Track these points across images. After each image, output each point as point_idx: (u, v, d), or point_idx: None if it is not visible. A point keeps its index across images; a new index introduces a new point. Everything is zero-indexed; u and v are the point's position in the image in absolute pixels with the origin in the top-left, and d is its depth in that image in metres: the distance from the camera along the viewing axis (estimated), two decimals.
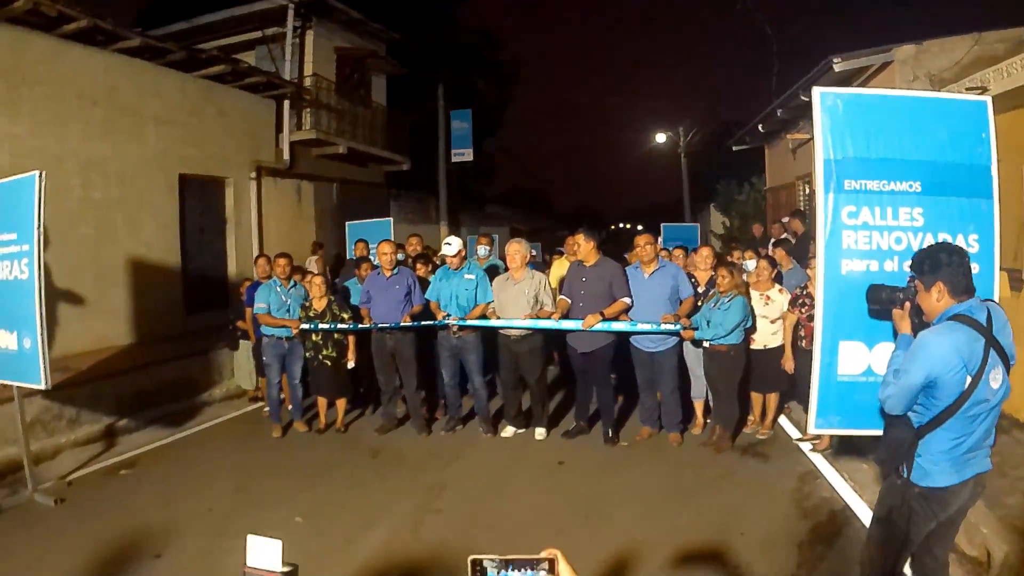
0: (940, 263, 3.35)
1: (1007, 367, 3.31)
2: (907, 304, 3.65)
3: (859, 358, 4.53)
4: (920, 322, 3.57)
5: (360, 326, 8.39)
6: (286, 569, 1.83)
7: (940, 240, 4.31)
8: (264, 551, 1.82)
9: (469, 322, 7.95)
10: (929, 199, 4.46)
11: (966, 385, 3.18)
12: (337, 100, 18.04)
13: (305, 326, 8.32)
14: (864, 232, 4.49)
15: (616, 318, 7.63)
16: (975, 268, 3.56)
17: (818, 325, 4.61)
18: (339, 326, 8.36)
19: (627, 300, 7.62)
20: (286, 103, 16.07)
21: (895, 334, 3.75)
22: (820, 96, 4.54)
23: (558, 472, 7.13)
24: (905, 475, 3.42)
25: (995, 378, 3.24)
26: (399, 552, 5.42)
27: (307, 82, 16.94)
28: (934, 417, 3.29)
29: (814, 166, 4.59)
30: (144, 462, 7.84)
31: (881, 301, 3.82)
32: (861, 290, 4.28)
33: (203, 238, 13.96)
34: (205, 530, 5.83)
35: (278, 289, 8.51)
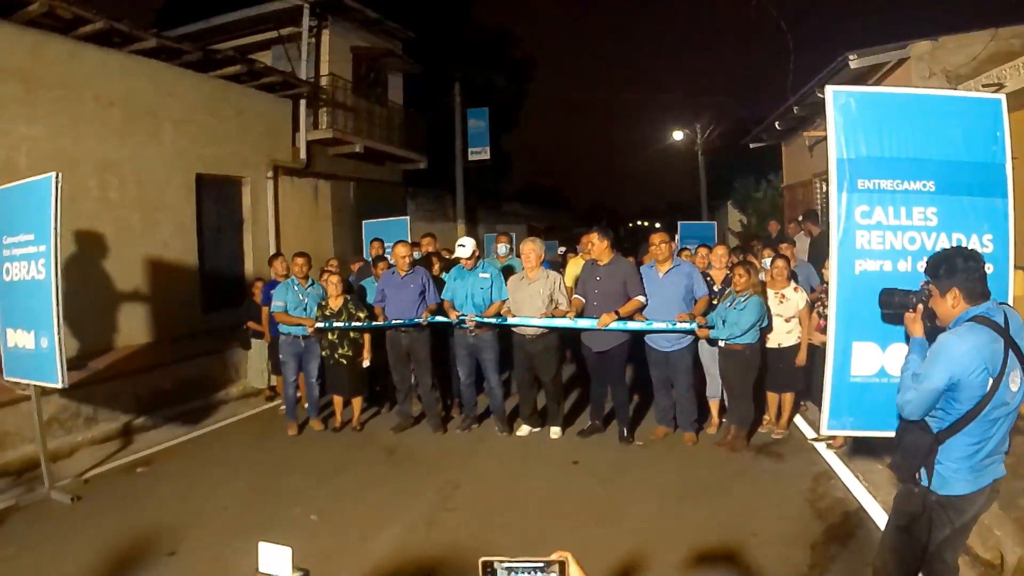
0: (956, 268, 3.32)
1: None
2: (919, 307, 3.61)
3: (872, 359, 4.51)
4: (932, 326, 3.54)
5: (375, 324, 8.41)
6: (297, 575, 1.84)
7: (954, 240, 4.31)
8: (275, 557, 1.86)
9: (486, 319, 7.95)
10: (943, 198, 4.44)
11: (988, 387, 3.15)
12: (353, 99, 18.12)
13: (320, 324, 8.35)
14: (878, 232, 4.47)
15: (631, 317, 7.63)
16: (989, 268, 3.54)
17: (831, 326, 4.61)
18: (354, 324, 8.39)
19: (641, 299, 7.61)
20: (303, 102, 16.16)
21: (908, 337, 3.72)
22: (833, 95, 4.53)
23: (573, 471, 7.12)
24: (924, 483, 3.39)
25: (1014, 380, 3.21)
26: (413, 551, 5.42)
27: (323, 81, 17.03)
28: (955, 421, 3.26)
29: (828, 166, 4.56)
30: (160, 460, 7.89)
31: (893, 305, 3.77)
32: (875, 291, 4.26)
33: (220, 237, 14.07)
34: (220, 528, 5.86)
35: (296, 288, 8.55)
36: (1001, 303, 3.39)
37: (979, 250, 3.70)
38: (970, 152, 4.45)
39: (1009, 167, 4.46)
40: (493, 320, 7.94)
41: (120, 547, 5.47)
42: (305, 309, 8.50)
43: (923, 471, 3.39)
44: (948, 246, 4.23)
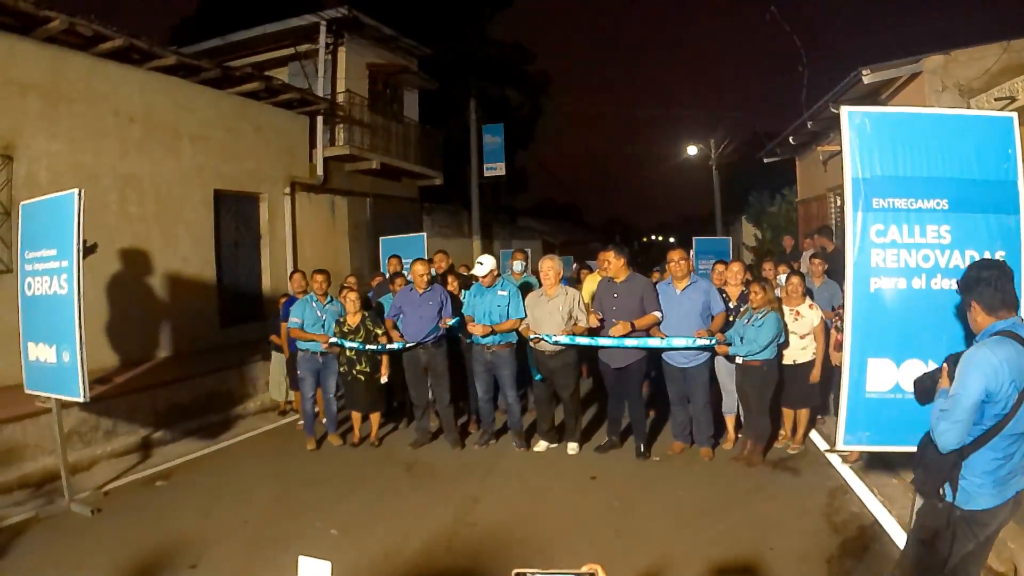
0: (972, 280, 3.39)
1: None
2: (943, 369, 3.56)
3: (887, 375, 4.52)
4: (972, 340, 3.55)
5: (388, 347, 8.47)
6: None
7: (967, 257, 4.33)
8: (314, 571, 1.90)
9: (563, 341, 7.89)
10: (956, 216, 4.46)
11: (1014, 402, 3.17)
12: (370, 116, 18.26)
13: (334, 340, 8.41)
14: (892, 250, 4.49)
15: (647, 331, 7.67)
16: None
17: (847, 342, 4.62)
18: (368, 347, 8.44)
19: (657, 314, 7.66)
20: (319, 119, 16.31)
21: (933, 357, 3.79)
22: (848, 115, 4.56)
23: (591, 486, 7.13)
24: (948, 498, 3.39)
25: None
26: (435, 565, 5.46)
27: (340, 98, 17.19)
28: (979, 436, 3.26)
29: (843, 185, 4.60)
30: (180, 473, 7.95)
31: (927, 387, 3.74)
32: (890, 308, 4.33)
33: (238, 253, 14.19)
34: (241, 541, 5.91)
35: (314, 304, 8.63)
36: None
37: None
38: (982, 170, 4.47)
39: (1022, 184, 4.49)
40: (564, 340, 7.81)
41: (142, 559, 5.53)
42: (323, 326, 8.55)
43: (947, 487, 3.39)
44: (961, 263, 4.34)
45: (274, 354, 10.31)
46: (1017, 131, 4.62)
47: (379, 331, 8.52)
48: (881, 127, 4.57)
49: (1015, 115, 4.75)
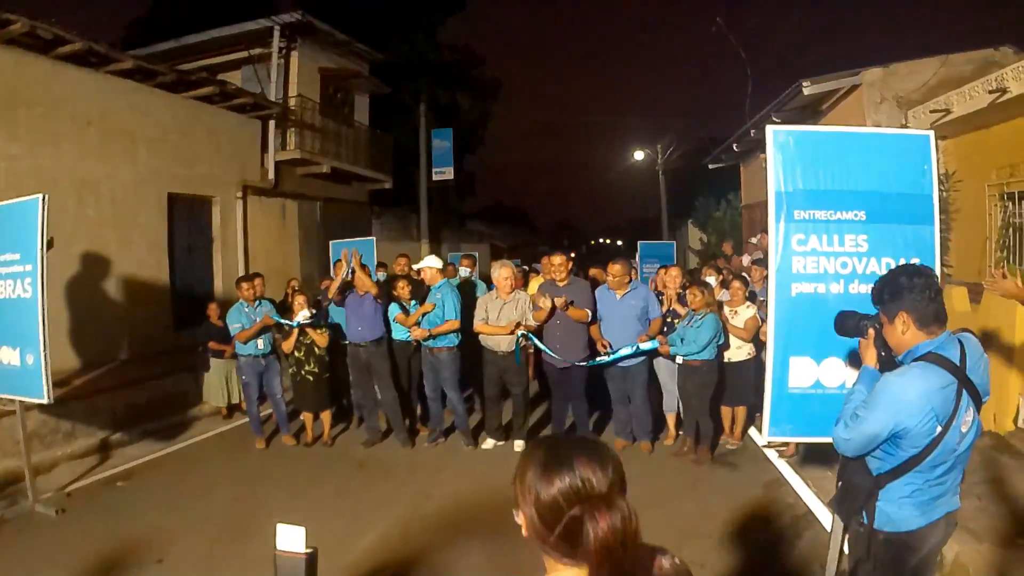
0: (901, 288, 2.99)
1: (978, 405, 2.98)
2: (871, 333, 3.31)
3: (808, 372, 4.87)
4: (888, 356, 3.23)
5: (298, 320, 8.68)
6: (308, 551, 2.22)
7: (884, 264, 4.67)
8: (290, 537, 2.19)
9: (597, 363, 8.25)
10: (873, 226, 4.80)
11: (935, 435, 2.84)
12: (321, 120, 18.40)
13: (281, 321, 8.78)
14: (812, 257, 4.83)
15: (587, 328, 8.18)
16: None
17: (770, 342, 4.98)
18: (282, 320, 8.80)
19: (588, 312, 8.10)
20: (271, 123, 16.45)
21: (850, 356, 3.97)
22: (773, 133, 4.91)
23: None
24: (866, 522, 3.10)
25: (966, 422, 2.91)
26: (391, 555, 5.71)
27: (292, 102, 17.28)
28: (896, 466, 2.97)
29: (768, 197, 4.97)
30: (140, 474, 8.08)
31: (846, 330, 3.53)
32: (810, 310, 4.70)
33: (191, 256, 14.29)
34: (204, 537, 6.10)
35: (246, 310, 8.82)
36: (960, 330, 3.09)
37: None
38: (899, 183, 4.82)
39: (936, 197, 4.87)
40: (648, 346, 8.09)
41: (109, 555, 5.71)
42: None
43: (864, 513, 3.12)
44: (878, 270, 4.65)
45: (213, 361, 10.39)
46: (934, 147, 4.99)
47: (322, 333, 8.85)
48: (804, 144, 4.92)
49: (932, 132, 5.12)
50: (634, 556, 1.51)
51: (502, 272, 8.34)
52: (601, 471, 1.51)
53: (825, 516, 5.97)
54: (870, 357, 3.32)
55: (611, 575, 1.45)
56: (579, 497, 1.48)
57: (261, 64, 17.28)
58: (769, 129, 4.95)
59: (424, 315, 8.45)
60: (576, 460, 1.51)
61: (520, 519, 1.62)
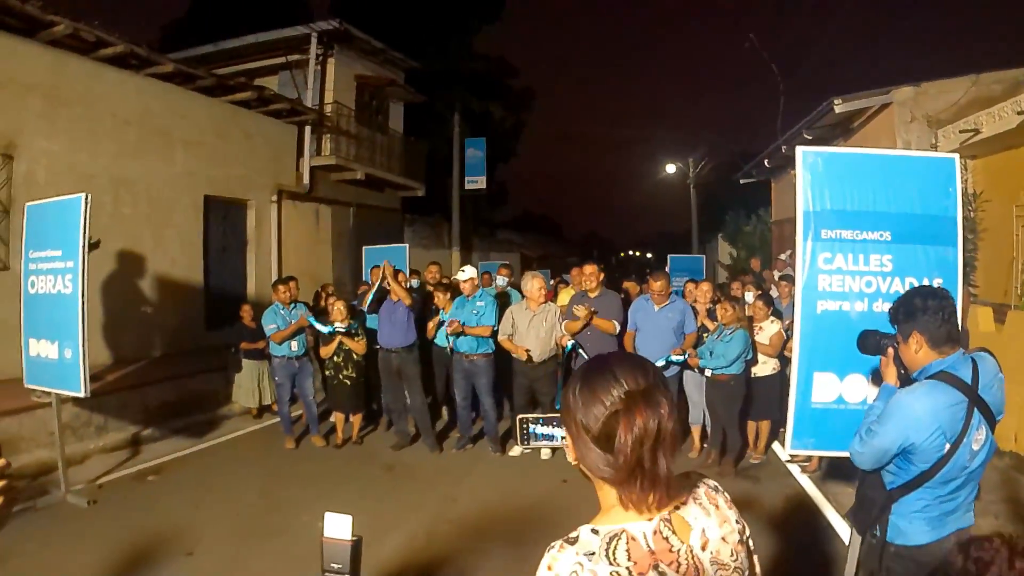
0: (914, 309, 3.05)
1: (992, 424, 3.00)
2: (891, 352, 3.37)
3: (831, 387, 4.93)
4: (906, 374, 3.27)
5: (335, 328, 8.74)
6: (354, 538, 2.31)
7: (907, 283, 4.72)
8: (337, 524, 2.30)
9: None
10: (898, 247, 4.86)
11: (944, 451, 2.89)
12: (356, 127, 18.60)
13: (316, 324, 8.80)
14: (838, 276, 4.89)
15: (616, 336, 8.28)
16: None
17: (795, 358, 5.04)
18: (320, 327, 8.80)
19: (616, 324, 8.24)
20: (307, 129, 16.64)
21: (872, 373, 4.00)
22: (803, 154, 4.97)
23: (563, 489, 7.38)
24: (879, 534, 3.17)
25: (977, 440, 2.93)
26: (415, 556, 5.78)
27: (328, 109, 17.48)
28: (908, 481, 3.03)
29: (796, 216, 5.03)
30: (169, 469, 8.21)
31: (868, 348, 3.58)
32: (834, 327, 4.75)
33: (224, 257, 14.51)
34: (234, 532, 6.22)
35: (281, 312, 8.93)
36: (977, 350, 3.11)
37: None
38: (924, 206, 4.87)
39: (960, 220, 4.91)
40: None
41: (139, 546, 5.82)
42: None
43: (878, 526, 3.19)
44: (901, 289, 4.66)
45: (245, 361, 10.51)
46: (959, 170, 5.05)
47: (359, 339, 8.92)
48: (832, 165, 4.98)
49: (956, 156, 5.17)
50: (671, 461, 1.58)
51: (534, 283, 8.46)
52: (641, 375, 1.55)
53: (844, 531, 5.95)
54: (890, 375, 3.39)
55: (649, 473, 1.57)
56: (618, 395, 1.53)
57: (298, 70, 17.54)
58: (799, 150, 5.02)
59: (464, 322, 8.53)
60: (616, 366, 1.57)
61: (568, 442, 1.72)
